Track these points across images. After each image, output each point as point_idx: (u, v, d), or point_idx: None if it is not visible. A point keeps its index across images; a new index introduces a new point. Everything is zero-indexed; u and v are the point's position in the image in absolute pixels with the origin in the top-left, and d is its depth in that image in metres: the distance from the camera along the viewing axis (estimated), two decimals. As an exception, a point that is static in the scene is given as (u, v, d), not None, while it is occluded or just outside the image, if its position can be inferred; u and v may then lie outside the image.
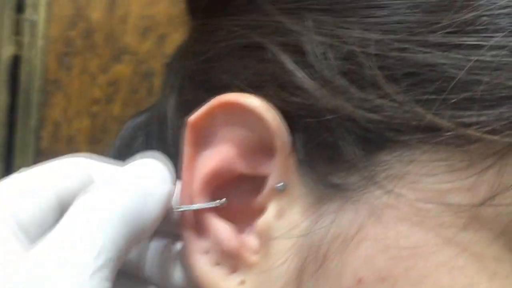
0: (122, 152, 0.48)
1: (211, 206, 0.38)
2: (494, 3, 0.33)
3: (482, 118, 0.32)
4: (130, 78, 0.94)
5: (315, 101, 0.35)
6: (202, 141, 0.38)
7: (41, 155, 0.93)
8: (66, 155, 0.38)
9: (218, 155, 0.38)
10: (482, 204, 0.33)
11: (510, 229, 0.33)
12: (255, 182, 0.38)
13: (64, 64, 0.93)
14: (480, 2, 0.33)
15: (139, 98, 0.94)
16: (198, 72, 0.41)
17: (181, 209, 0.38)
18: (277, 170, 0.37)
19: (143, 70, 0.93)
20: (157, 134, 0.45)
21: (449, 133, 0.33)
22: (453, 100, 0.33)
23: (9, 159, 0.92)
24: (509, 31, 0.32)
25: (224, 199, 0.38)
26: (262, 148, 0.38)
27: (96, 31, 0.92)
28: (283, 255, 0.37)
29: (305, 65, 0.36)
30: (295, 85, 0.36)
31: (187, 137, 0.38)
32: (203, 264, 0.38)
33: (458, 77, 0.33)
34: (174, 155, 0.42)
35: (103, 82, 0.94)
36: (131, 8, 0.92)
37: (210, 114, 0.38)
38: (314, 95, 0.35)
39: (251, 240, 0.38)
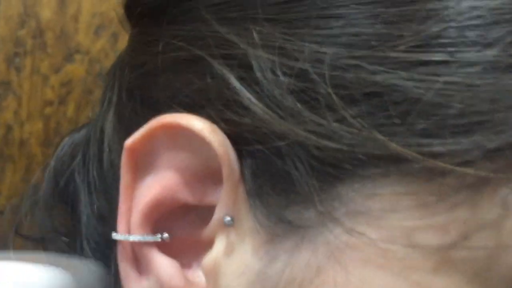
0: (59, 174, 0.44)
1: (151, 240, 0.34)
2: (462, 13, 0.29)
3: (454, 147, 0.28)
4: (83, 79, 0.90)
5: (263, 124, 0.31)
6: (142, 167, 0.34)
7: (-7, 160, 0.89)
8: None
9: (159, 183, 0.34)
10: (453, 246, 0.29)
11: (485, 271, 0.29)
12: (202, 212, 0.34)
13: (14, 65, 0.88)
14: (446, 12, 0.29)
15: (94, 99, 0.90)
16: (137, 87, 0.37)
17: (117, 238, 0.34)
18: (224, 201, 0.33)
19: (97, 70, 0.89)
20: (95, 154, 0.41)
21: (416, 165, 0.29)
22: (420, 126, 0.29)
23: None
24: (482, 45, 0.29)
25: (166, 235, 0.34)
26: (208, 175, 0.34)
27: (47, 30, 0.87)
28: None
29: (252, 82, 0.32)
30: (241, 105, 0.32)
31: (125, 162, 0.34)
32: None
33: (425, 99, 0.29)
34: (111, 181, 0.38)
35: (56, 83, 0.89)
36: (83, 5, 0.87)
37: (149, 137, 0.34)
38: (261, 118, 0.31)
39: (198, 277, 0.34)
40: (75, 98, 0.88)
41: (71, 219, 0.42)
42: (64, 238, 0.43)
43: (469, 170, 0.28)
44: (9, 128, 0.88)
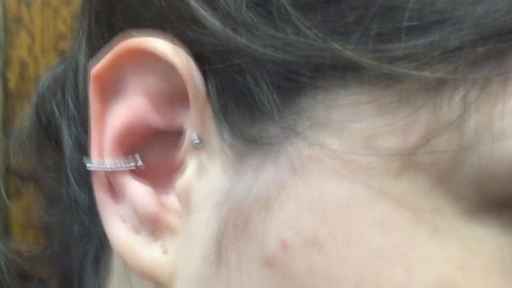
0: (41, 110, 0.43)
1: (124, 167, 0.34)
2: None
3: (410, 51, 0.27)
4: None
5: (221, 42, 0.30)
6: (110, 94, 0.34)
7: (9, 97, 0.90)
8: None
9: (128, 109, 0.33)
10: (415, 148, 0.28)
11: (449, 174, 0.28)
12: (174, 136, 0.34)
13: (24, 0, 0.87)
14: None
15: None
16: (103, 13, 0.36)
17: (91, 166, 0.34)
18: (192, 122, 0.32)
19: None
20: (72, 87, 0.40)
21: (373, 72, 0.28)
22: (375, 31, 0.27)
23: (-23, 105, 0.88)
24: None
25: (140, 161, 0.34)
26: (176, 97, 0.33)
27: (53, -38, 0.86)
28: (205, 219, 0.32)
29: None
30: (200, 24, 0.31)
31: (93, 90, 0.34)
32: (121, 233, 0.34)
33: (379, 1, 0.27)
34: (88, 112, 0.37)
35: (68, 16, 0.88)
36: None
37: (115, 63, 0.33)
38: (219, 35, 0.30)
39: (172, 201, 0.34)
40: (88, 30, 0.87)
41: (56, 153, 0.42)
42: (51, 174, 0.43)
43: (426, 73, 0.27)
44: (24, 65, 0.87)
